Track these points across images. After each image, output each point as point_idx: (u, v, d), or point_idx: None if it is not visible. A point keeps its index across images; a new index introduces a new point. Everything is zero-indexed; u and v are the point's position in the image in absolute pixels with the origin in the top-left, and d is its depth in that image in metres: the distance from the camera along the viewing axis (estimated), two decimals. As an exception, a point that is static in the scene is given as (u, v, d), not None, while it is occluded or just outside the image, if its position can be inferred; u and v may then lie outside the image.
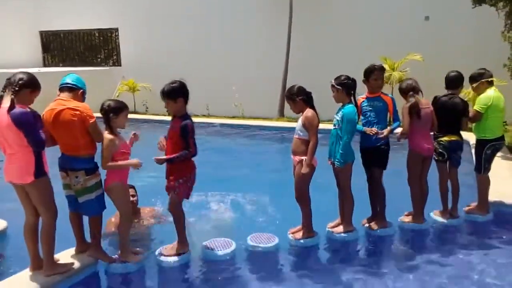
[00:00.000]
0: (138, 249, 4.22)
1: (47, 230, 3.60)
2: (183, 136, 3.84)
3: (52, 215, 3.61)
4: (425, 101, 4.68)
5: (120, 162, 3.83)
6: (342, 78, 4.30)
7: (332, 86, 4.34)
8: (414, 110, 4.52)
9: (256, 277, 3.94)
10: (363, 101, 4.60)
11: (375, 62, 11.64)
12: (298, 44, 12.28)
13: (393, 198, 4.75)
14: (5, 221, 4.80)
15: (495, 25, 9.66)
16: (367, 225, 4.78)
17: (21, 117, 3.37)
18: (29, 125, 3.40)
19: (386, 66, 11.48)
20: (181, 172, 3.96)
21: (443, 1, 11.51)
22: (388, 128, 4.50)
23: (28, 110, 3.47)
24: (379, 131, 4.45)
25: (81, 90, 3.86)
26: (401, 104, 4.64)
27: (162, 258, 4.09)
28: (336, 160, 4.34)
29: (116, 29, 15.14)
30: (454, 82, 4.87)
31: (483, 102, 4.82)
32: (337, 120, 4.36)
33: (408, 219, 4.87)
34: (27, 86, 3.50)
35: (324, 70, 11.56)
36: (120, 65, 15.13)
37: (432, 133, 4.82)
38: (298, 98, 4.22)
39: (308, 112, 4.19)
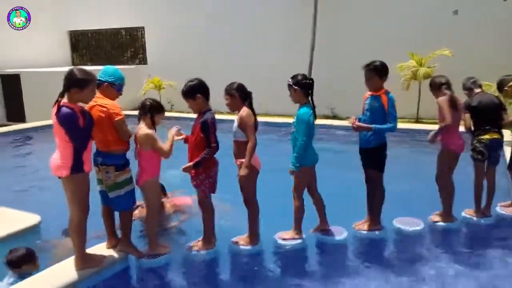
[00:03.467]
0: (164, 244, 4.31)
1: (76, 226, 3.68)
2: (203, 132, 3.88)
3: (82, 214, 3.66)
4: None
5: (169, 140, 3.98)
6: (299, 77, 4.14)
7: (289, 86, 4.15)
8: (453, 103, 4.41)
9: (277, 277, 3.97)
10: (366, 98, 4.44)
11: (400, 58, 11.49)
12: (322, 40, 12.19)
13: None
14: (39, 216, 4.94)
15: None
16: (356, 227, 4.64)
17: (63, 117, 3.47)
18: (69, 124, 3.48)
19: (412, 62, 11.33)
20: (200, 168, 3.98)
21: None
22: (369, 125, 4.26)
23: (71, 110, 3.51)
24: (355, 121, 4.33)
25: (106, 83, 3.88)
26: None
27: (192, 251, 4.18)
28: (291, 164, 4.15)
29: (143, 28, 15.36)
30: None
31: None
32: (293, 122, 4.22)
33: (438, 218, 4.79)
34: (75, 85, 3.55)
35: (348, 67, 11.56)
36: (146, 63, 15.36)
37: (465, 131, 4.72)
38: (237, 94, 4.06)
39: (243, 111, 4.03)
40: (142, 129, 3.92)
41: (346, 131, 9.66)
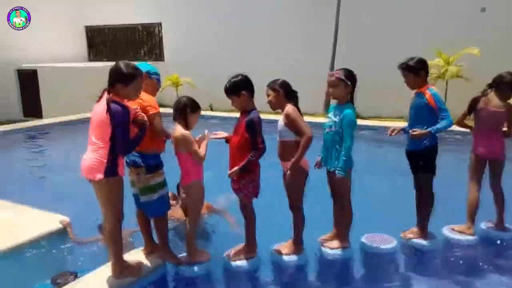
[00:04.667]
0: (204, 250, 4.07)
1: (111, 233, 3.46)
2: (249, 133, 3.62)
3: (115, 220, 3.43)
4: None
5: (202, 145, 3.74)
6: (348, 72, 3.84)
7: (340, 79, 3.80)
8: None
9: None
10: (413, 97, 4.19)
11: (426, 56, 11.23)
12: (345, 38, 11.90)
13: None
14: (68, 218, 4.74)
15: None
16: (402, 235, 4.37)
17: (117, 113, 3.24)
18: (122, 119, 3.25)
19: (440, 61, 11.01)
20: (242, 172, 3.72)
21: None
22: (426, 130, 3.96)
23: (122, 105, 3.30)
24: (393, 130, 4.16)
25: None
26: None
27: (232, 261, 3.93)
28: (338, 168, 3.83)
29: (160, 24, 15.16)
30: None
31: None
32: (334, 122, 3.87)
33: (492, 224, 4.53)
34: (120, 81, 3.31)
35: (373, 65, 11.29)
36: (163, 60, 15.15)
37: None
38: (282, 90, 3.78)
39: (289, 108, 3.74)
40: (178, 129, 3.69)
41: (370, 130, 9.46)
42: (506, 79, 4.25)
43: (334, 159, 3.91)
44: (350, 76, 3.86)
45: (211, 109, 13.27)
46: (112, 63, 3.43)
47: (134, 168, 3.63)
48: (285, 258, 3.97)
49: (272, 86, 3.85)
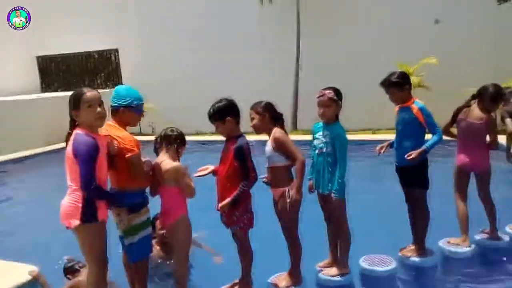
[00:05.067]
0: None
1: (94, 284, 3.09)
2: (239, 160, 3.37)
3: (99, 270, 3.08)
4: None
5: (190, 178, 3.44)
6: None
7: (331, 100, 3.62)
8: None
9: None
10: (397, 111, 4.07)
11: (388, 68, 11.39)
12: (308, 54, 11.95)
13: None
14: (37, 267, 4.25)
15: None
16: (401, 254, 4.22)
17: (75, 143, 2.93)
18: (86, 154, 2.90)
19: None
20: (234, 204, 3.44)
21: (455, 3, 11.31)
22: (421, 149, 3.82)
23: (87, 136, 2.96)
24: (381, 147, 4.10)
25: (121, 108, 3.26)
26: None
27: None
28: (334, 191, 3.65)
29: (116, 50, 14.72)
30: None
31: None
32: (325, 143, 3.69)
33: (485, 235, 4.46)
34: (85, 102, 3.01)
35: (335, 79, 11.34)
36: (122, 87, 14.66)
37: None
38: (267, 113, 3.58)
39: (276, 132, 3.55)
40: (167, 162, 3.38)
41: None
42: (488, 91, 4.19)
43: (327, 182, 3.72)
44: (339, 94, 3.71)
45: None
46: (66, 94, 3.14)
47: (115, 208, 3.27)
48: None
49: (256, 109, 3.63)
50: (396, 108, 4.08)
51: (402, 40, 11.55)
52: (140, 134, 13.63)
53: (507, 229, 4.59)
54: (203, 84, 12.94)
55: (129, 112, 3.30)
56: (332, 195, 3.66)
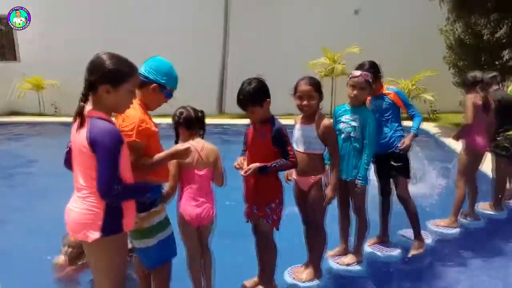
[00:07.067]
0: None
1: None
2: (278, 145, 2.91)
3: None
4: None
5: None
6: (368, 65, 3.52)
7: (367, 82, 3.42)
8: (485, 104, 4.22)
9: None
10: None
11: (311, 56, 11.43)
12: (236, 38, 11.58)
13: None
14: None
15: (426, 19, 10.30)
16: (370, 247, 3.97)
17: (100, 135, 2.12)
18: (109, 146, 2.14)
19: (326, 60, 11.45)
20: (271, 193, 3.02)
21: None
22: (411, 134, 3.75)
23: (109, 123, 2.19)
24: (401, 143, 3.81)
25: (155, 84, 2.60)
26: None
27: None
28: (360, 177, 3.43)
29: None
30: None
31: None
32: (353, 127, 3.48)
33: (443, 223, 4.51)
34: (106, 81, 2.18)
35: (263, 66, 11.17)
36: (18, 60, 12.74)
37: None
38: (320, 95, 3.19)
39: (326, 120, 3.21)
40: (205, 142, 3.02)
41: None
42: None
43: (352, 168, 3.46)
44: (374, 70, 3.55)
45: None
46: None
47: None
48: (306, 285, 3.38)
49: (317, 87, 3.17)
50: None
51: (325, 29, 11.75)
52: (41, 114, 12.06)
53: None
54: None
55: (160, 93, 2.65)
56: (358, 181, 3.43)
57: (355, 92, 3.43)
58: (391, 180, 3.88)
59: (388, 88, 3.85)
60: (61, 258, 3.58)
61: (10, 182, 6.87)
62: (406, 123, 3.91)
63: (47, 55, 12.15)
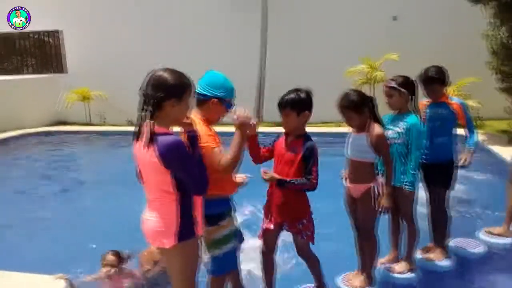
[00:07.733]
0: None
1: None
2: (307, 161, 2.98)
3: None
4: None
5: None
6: (403, 78, 3.53)
7: (392, 88, 3.52)
8: None
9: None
10: (425, 106, 3.91)
11: (349, 63, 11.32)
12: (272, 47, 11.71)
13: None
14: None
15: (468, 24, 10.15)
16: (421, 256, 4.01)
17: (167, 150, 2.29)
18: (178, 158, 2.32)
19: (363, 67, 11.41)
20: (302, 209, 3.12)
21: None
22: (470, 148, 3.89)
23: (175, 136, 2.38)
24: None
25: (214, 99, 2.74)
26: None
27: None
28: (407, 183, 3.50)
29: (58, 31, 13.31)
30: None
31: None
32: (398, 133, 3.56)
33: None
34: (171, 95, 2.35)
35: (300, 73, 11.24)
36: (66, 72, 13.35)
37: None
38: (365, 108, 3.31)
39: (377, 128, 3.30)
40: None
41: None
42: None
43: (399, 174, 3.53)
44: (405, 83, 3.55)
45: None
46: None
47: None
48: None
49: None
50: (425, 102, 3.95)
51: (363, 37, 11.73)
52: (89, 124, 12.53)
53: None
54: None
55: (220, 106, 2.78)
56: (406, 187, 3.50)
57: (386, 100, 3.62)
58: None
59: (453, 98, 3.91)
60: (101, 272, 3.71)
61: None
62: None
63: (95, 66, 12.66)
